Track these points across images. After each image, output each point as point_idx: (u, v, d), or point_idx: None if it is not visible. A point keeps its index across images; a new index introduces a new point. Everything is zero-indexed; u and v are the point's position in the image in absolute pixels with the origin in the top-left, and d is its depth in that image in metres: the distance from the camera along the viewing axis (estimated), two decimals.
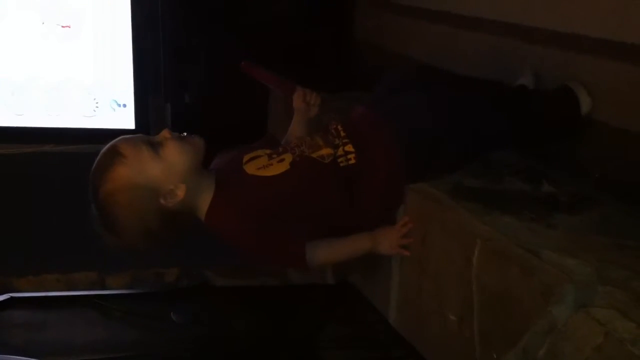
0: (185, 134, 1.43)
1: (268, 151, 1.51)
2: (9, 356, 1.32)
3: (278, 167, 1.46)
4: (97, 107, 2.58)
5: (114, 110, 2.59)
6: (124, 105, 2.59)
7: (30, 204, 2.23)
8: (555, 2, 1.71)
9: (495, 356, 1.17)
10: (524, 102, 1.64)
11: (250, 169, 1.46)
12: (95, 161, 1.37)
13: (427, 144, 1.48)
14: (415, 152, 1.47)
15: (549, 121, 1.61)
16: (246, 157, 1.49)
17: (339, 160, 1.48)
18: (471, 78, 1.74)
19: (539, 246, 1.16)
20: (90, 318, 1.55)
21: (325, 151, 1.49)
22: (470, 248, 1.24)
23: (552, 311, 1.04)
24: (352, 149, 1.48)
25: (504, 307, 1.15)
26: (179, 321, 1.50)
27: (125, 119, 2.58)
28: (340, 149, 1.49)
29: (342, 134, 1.51)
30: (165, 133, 1.41)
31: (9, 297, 1.58)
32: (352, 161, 1.48)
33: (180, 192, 1.37)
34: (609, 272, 1.08)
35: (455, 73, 1.80)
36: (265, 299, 1.73)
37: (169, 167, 1.37)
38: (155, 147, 1.37)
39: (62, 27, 2.52)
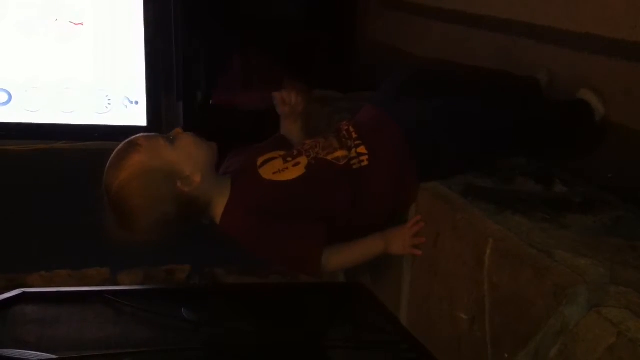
0: None
1: (282, 153, 1.51)
2: (22, 351, 1.32)
3: (294, 172, 1.46)
4: (109, 103, 2.58)
5: (126, 107, 2.59)
6: (136, 102, 2.59)
7: (42, 200, 2.24)
8: (568, 1, 1.70)
9: (506, 356, 1.16)
10: (526, 102, 1.63)
11: (266, 173, 1.46)
12: (111, 157, 1.38)
13: (432, 145, 1.48)
14: (422, 153, 1.48)
15: (551, 123, 1.60)
16: (260, 160, 1.49)
17: (352, 162, 1.47)
18: (477, 72, 1.73)
19: (552, 246, 1.15)
20: (101, 314, 1.56)
21: (340, 153, 1.48)
22: (482, 248, 1.24)
23: (564, 311, 1.04)
24: (364, 151, 1.48)
25: (516, 307, 1.15)
26: (189, 317, 1.50)
27: (138, 116, 2.59)
28: (353, 150, 1.48)
29: (354, 135, 1.51)
30: (177, 130, 1.44)
31: (21, 292, 1.58)
32: (365, 163, 1.48)
33: (197, 178, 1.38)
34: (621, 273, 1.08)
35: (461, 68, 1.78)
36: (275, 297, 1.73)
37: (185, 155, 1.39)
38: (170, 140, 1.40)
39: (75, 24, 2.53)
